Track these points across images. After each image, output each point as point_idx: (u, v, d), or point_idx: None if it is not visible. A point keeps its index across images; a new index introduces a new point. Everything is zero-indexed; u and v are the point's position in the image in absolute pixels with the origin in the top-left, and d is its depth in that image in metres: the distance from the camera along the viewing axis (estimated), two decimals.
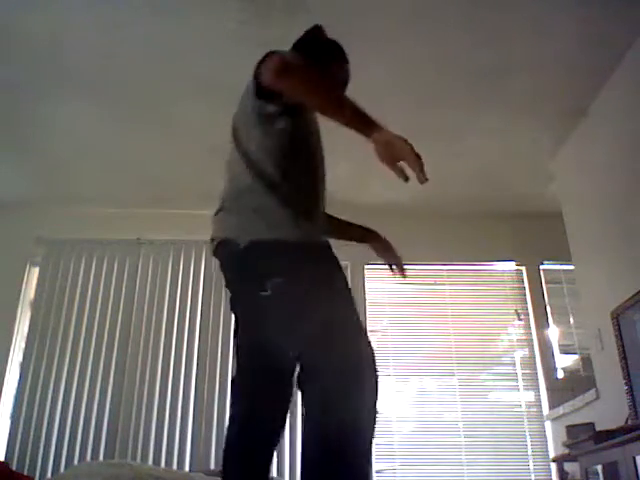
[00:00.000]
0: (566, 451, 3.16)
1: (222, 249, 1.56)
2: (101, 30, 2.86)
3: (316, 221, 1.66)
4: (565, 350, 4.24)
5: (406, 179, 1.35)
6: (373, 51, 2.99)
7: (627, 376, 2.94)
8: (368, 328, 4.18)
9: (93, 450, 3.76)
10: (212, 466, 3.67)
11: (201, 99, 3.28)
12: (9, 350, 4.04)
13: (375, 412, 1.40)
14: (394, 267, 1.97)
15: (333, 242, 1.61)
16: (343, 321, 1.43)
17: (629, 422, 2.82)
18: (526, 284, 4.40)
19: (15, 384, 3.93)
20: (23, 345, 4.06)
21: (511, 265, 4.48)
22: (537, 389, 4.13)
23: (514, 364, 4.24)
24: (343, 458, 1.34)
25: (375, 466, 3.86)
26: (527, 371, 4.19)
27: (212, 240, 1.60)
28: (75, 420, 3.82)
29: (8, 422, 3.85)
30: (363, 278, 4.31)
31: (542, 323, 4.27)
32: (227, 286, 1.63)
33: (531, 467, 3.93)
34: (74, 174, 4.06)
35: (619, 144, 3.11)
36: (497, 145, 3.78)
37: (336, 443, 1.34)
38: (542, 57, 3.05)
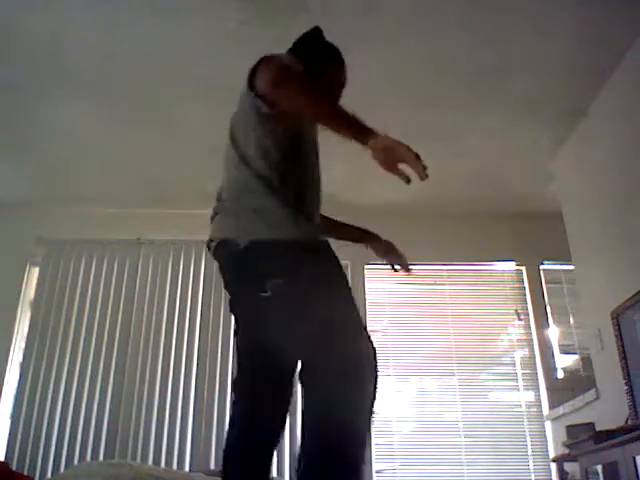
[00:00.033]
0: (566, 451, 3.16)
1: (221, 250, 1.55)
2: (101, 30, 2.86)
3: (315, 221, 1.67)
4: (565, 350, 4.24)
5: (408, 181, 1.35)
6: (373, 51, 2.99)
7: (627, 376, 2.94)
8: (368, 328, 4.19)
9: (93, 450, 3.76)
10: (212, 466, 3.67)
11: (201, 99, 3.28)
12: (9, 350, 4.04)
13: (372, 412, 1.41)
14: (397, 267, 1.98)
15: (333, 242, 1.61)
16: (343, 320, 1.43)
17: (629, 422, 2.82)
18: (526, 284, 4.40)
19: (15, 384, 3.93)
20: (23, 345, 4.06)
21: (511, 265, 4.48)
22: (537, 389, 4.13)
23: (514, 364, 4.24)
24: (341, 456, 1.35)
25: (375, 466, 3.86)
26: (527, 371, 4.19)
27: (211, 241, 1.60)
28: (75, 420, 3.82)
29: (8, 422, 3.86)
30: (363, 278, 4.31)
31: (542, 323, 4.27)
32: (226, 287, 1.63)
33: (531, 467, 3.93)
34: (74, 174, 4.07)
35: (619, 144, 3.11)
36: (497, 145, 3.78)
37: (335, 441, 1.35)
38: (542, 57, 3.05)
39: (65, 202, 4.36)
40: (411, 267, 1.97)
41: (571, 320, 4.28)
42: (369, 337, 1.44)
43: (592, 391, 3.31)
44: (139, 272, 4.26)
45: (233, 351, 3.96)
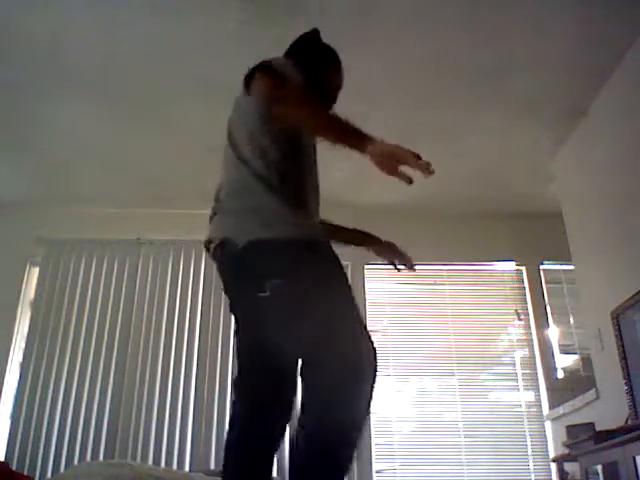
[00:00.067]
0: (566, 451, 3.16)
1: (220, 250, 1.55)
2: (101, 30, 2.86)
3: (315, 220, 1.67)
4: (565, 350, 4.24)
5: (410, 182, 1.36)
6: (373, 51, 2.99)
7: (627, 376, 2.94)
8: (368, 328, 4.19)
9: (93, 450, 3.76)
10: (212, 466, 3.67)
11: (201, 99, 3.28)
12: (9, 350, 4.04)
13: (369, 412, 1.41)
14: (401, 266, 1.98)
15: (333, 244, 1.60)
16: (343, 320, 1.43)
17: (629, 422, 2.82)
18: (526, 284, 4.41)
19: (15, 384, 3.93)
20: (23, 345, 4.06)
21: (511, 265, 4.48)
22: (537, 389, 4.13)
23: (514, 364, 4.24)
24: (336, 455, 1.35)
25: (375, 466, 3.86)
26: (527, 371, 4.19)
27: (209, 241, 1.60)
28: (75, 420, 3.82)
29: (8, 422, 3.86)
30: (363, 278, 4.31)
31: (542, 323, 4.28)
32: (225, 288, 1.62)
33: (531, 467, 3.93)
34: (74, 174, 4.07)
35: (619, 144, 3.11)
36: (497, 145, 3.78)
37: (332, 441, 1.35)
38: (542, 57, 3.05)
39: (65, 202, 4.36)
40: (415, 265, 1.97)
41: (571, 320, 4.28)
42: (369, 336, 1.44)
43: (592, 391, 3.32)
44: (139, 272, 4.26)
45: (233, 351, 3.96)
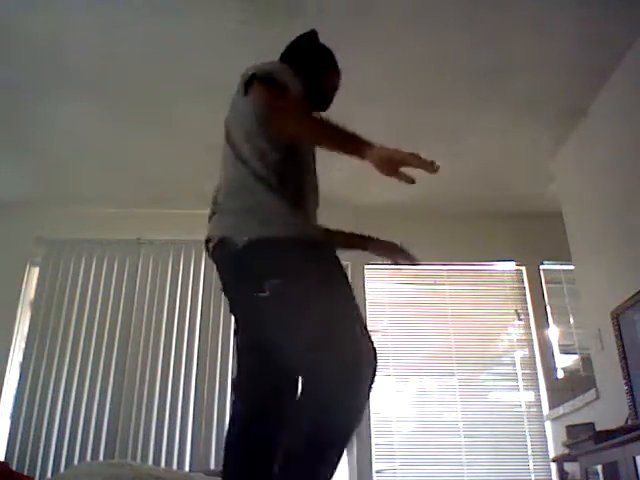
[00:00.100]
0: (566, 451, 3.16)
1: (219, 250, 1.55)
2: (101, 30, 2.86)
3: (314, 220, 1.67)
4: (565, 350, 4.24)
5: (412, 181, 1.36)
6: (373, 51, 2.99)
7: (627, 376, 2.94)
8: (368, 328, 4.19)
9: (93, 450, 3.76)
10: (212, 466, 3.67)
11: (201, 99, 3.28)
12: (9, 350, 4.04)
13: (363, 412, 1.41)
14: (404, 263, 1.97)
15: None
16: (343, 319, 1.42)
17: (629, 422, 2.82)
18: (526, 284, 4.41)
19: (15, 384, 3.93)
20: (23, 345, 4.06)
21: (511, 265, 4.48)
22: (537, 389, 4.13)
23: (514, 364, 4.24)
24: (325, 454, 1.35)
25: (375, 466, 3.86)
26: (527, 371, 4.19)
27: (208, 241, 1.60)
28: (75, 420, 3.82)
29: (8, 422, 3.86)
30: (363, 278, 4.31)
31: (542, 323, 4.28)
32: (224, 288, 1.62)
33: (531, 467, 3.93)
34: (74, 174, 4.07)
35: (619, 144, 3.11)
36: (497, 145, 3.78)
37: (324, 440, 1.35)
38: (542, 57, 3.05)
39: (65, 202, 4.36)
40: (416, 259, 1.96)
41: (571, 320, 4.28)
42: (370, 336, 1.44)
43: (592, 391, 3.31)
44: (139, 272, 4.26)
45: (233, 351, 3.96)
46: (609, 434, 2.49)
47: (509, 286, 4.45)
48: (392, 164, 1.36)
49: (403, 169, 1.37)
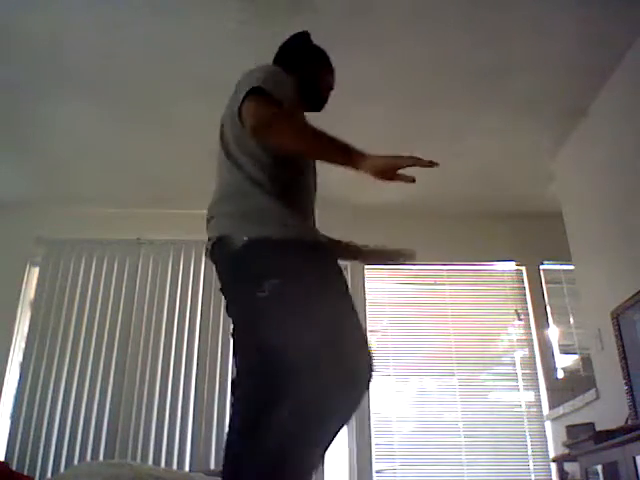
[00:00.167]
0: (566, 451, 3.16)
1: (218, 250, 1.55)
2: (101, 30, 2.86)
3: (313, 221, 1.67)
4: (565, 350, 4.24)
5: (412, 181, 1.36)
6: (373, 51, 2.99)
7: (627, 376, 2.94)
8: (368, 328, 4.20)
9: (93, 450, 3.76)
10: (212, 466, 3.67)
11: (201, 99, 3.28)
12: (9, 350, 4.04)
13: (351, 416, 1.40)
14: (401, 262, 1.96)
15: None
16: (343, 323, 1.42)
17: (629, 422, 2.82)
18: (526, 284, 4.41)
19: (15, 384, 3.93)
20: (23, 345, 4.06)
21: (511, 265, 4.48)
22: (537, 389, 4.13)
23: (514, 364, 4.24)
24: (301, 457, 1.35)
25: (375, 466, 3.86)
26: (527, 371, 4.19)
27: (208, 241, 1.60)
28: (75, 420, 3.82)
29: (8, 422, 3.86)
30: (363, 278, 4.31)
31: (542, 323, 4.28)
32: (222, 288, 1.62)
33: (531, 467, 3.93)
34: (74, 174, 4.07)
35: (619, 144, 3.11)
36: (497, 145, 3.78)
37: (309, 441, 1.35)
38: (542, 57, 3.05)
39: (65, 202, 4.36)
40: (411, 254, 1.94)
41: (571, 320, 4.28)
42: (368, 346, 1.43)
43: (592, 391, 3.32)
44: (139, 272, 4.26)
45: (233, 350, 3.95)
46: (609, 434, 2.49)
47: (509, 286, 4.45)
48: (389, 171, 1.36)
49: (401, 170, 1.37)
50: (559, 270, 4.35)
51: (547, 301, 4.35)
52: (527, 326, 4.31)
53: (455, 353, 4.20)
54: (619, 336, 3.03)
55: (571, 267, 3.76)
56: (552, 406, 3.96)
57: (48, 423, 3.80)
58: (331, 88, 1.94)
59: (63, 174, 4.06)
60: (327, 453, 1.39)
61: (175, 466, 3.73)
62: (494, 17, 2.80)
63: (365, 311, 4.23)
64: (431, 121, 3.53)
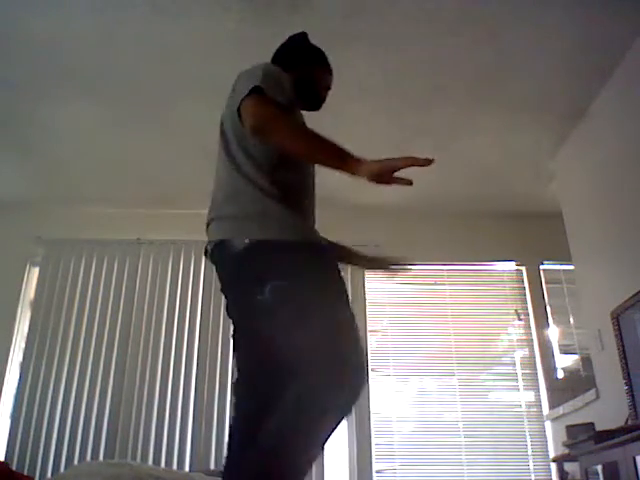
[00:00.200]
0: (566, 451, 3.16)
1: (219, 251, 1.55)
2: (101, 30, 2.86)
3: (313, 221, 1.67)
4: (565, 350, 4.24)
5: (410, 183, 1.37)
6: (372, 50, 2.99)
7: (627, 376, 2.94)
8: (368, 328, 4.20)
9: (93, 450, 3.76)
10: (212, 466, 3.67)
11: (201, 99, 3.28)
12: (9, 350, 4.04)
13: (341, 422, 1.40)
14: (393, 270, 1.98)
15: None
16: (342, 326, 1.42)
17: (629, 422, 2.82)
18: (526, 284, 4.40)
19: (15, 384, 3.93)
20: (23, 345, 4.06)
21: (511, 265, 4.48)
22: (537, 389, 4.13)
23: (514, 364, 4.24)
24: (292, 458, 1.35)
25: (375, 466, 3.86)
26: (527, 371, 4.19)
27: (208, 243, 1.60)
28: (75, 420, 3.82)
29: (8, 422, 3.86)
30: (363, 278, 4.31)
31: (542, 323, 4.28)
32: (223, 290, 1.62)
33: (531, 467, 3.93)
34: (74, 174, 4.07)
35: (619, 144, 3.11)
36: (497, 145, 3.78)
37: (295, 444, 1.34)
38: (542, 57, 3.05)
39: (65, 202, 4.36)
40: (404, 265, 1.96)
41: (571, 320, 4.27)
42: (361, 342, 1.44)
43: (592, 391, 3.32)
44: (139, 272, 4.26)
45: (233, 351, 3.95)
46: (609, 434, 2.49)
47: (509, 286, 4.45)
48: (385, 175, 1.37)
49: (398, 172, 1.37)
50: (559, 270, 4.34)
51: (547, 301, 4.35)
52: (527, 326, 4.31)
53: (455, 353, 4.20)
54: (619, 336, 3.03)
55: (571, 267, 3.76)
56: (552, 406, 3.96)
57: (48, 423, 3.80)
58: (329, 87, 1.94)
59: (63, 174, 4.06)
60: (324, 450, 1.39)
61: (175, 466, 3.73)
62: (494, 17, 2.80)
63: (365, 311, 4.23)
64: (430, 121, 3.53)
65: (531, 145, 3.78)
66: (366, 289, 4.31)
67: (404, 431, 4.07)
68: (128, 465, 2.59)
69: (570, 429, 3.14)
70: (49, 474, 3.67)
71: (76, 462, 3.70)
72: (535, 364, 4.19)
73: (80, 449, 3.76)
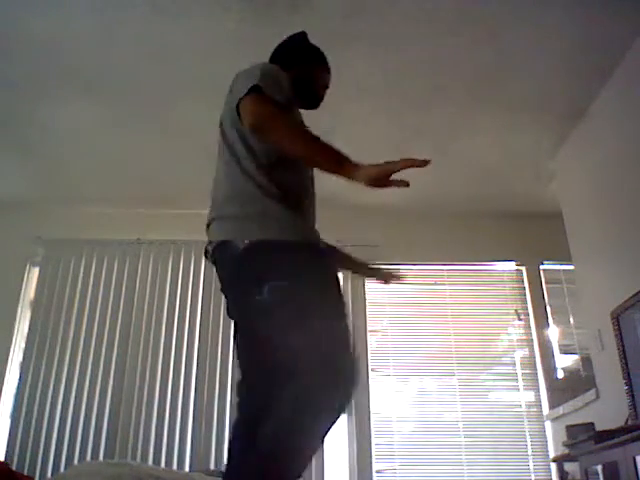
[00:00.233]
0: (566, 451, 3.16)
1: (219, 252, 1.55)
2: (101, 30, 2.86)
3: (313, 222, 1.67)
4: (565, 350, 4.24)
5: (407, 185, 1.37)
6: (372, 50, 2.99)
7: (627, 376, 2.94)
8: (368, 328, 4.20)
9: (93, 450, 3.76)
10: (212, 466, 3.67)
11: (201, 99, 3.28)
12: (9, 350, 4.04)
13: (332, 426, 1.41)
14: (387, 279, 2.03)
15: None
16: (332, 328, 1.43)
17: (629, 422, 2.82)
18: (526, 284, 4.40)
19: (15, 384, 3.93)
20: (23, 345, 4.06)
21: (511, 265, 4.48)
22: (537, 389, 4.13)
23: (514, 364, 4.24)
24: (290, 459, 1.35)
25: (375, 466, 3.86)
26: (527, 371, 4.19)
27: (209, 244, 1.60)
28: (75, 420, 3.82)
29: (8, 422, 3.86)
30: (363, 278, 4.31)
31: (542, 323, 4.27)
32: (224, 290, 1.62)
33: (531, 467, 3.93)
34: (74, 174, 4.07)
35: (619, 144, 3.11)
36: (497, 145, 3.78)
37: (292, 444, 1.35)
38: (542, 57, 3.05)
39: (65, 202, 4.36)
40: (397, 274, 2.02)
41: (571, 320, 4.27)
42: (352, 344, 1.44)
43: (592, 391, 3.32)
44: (139, 272, 4.26)
45: (233, 351, 3.96)
46: (609, 434, 2.49)
47: (509, 286, 4.45)
48: (382, 178, 1.37)
49: (395, 174, 1.38)
50: (559, 270, 4.34)
51: (547, 301, 4.35)
52: (527, 326, 4.31)
53: (455, 353, 4.20)
54: (619, 336, 3.03)
55: (571, 267, 3.76)
56: (552, 406, 3.96)
57: (48, 423, 3.80)
58: (327, 86, 1.95)
59: (63, 174, 4.06)
60: (323, 446, 1.41)
61: (175, 466, 3.73)
62: (494, 17, 2.80)
63: (365, 311, 4.23)
64: (430, 121, 3.53)
65: (531, 145, 3.78)
66: (366, 289, 4.31)
67: (404, 431, 4.07)
68: (128, 465, 2.59)
69: (570, 429, 3.14)
70: (49, 474, 3.67)
71: (76, 462, 3.70)
72: (535, 364, 4.19)
73: (80, 449, 3.76)
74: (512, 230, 4.43)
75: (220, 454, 3.74)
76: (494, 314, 4.36)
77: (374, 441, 3.92)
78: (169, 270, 4.27)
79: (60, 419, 3.82)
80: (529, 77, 3.18)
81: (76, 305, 4.13)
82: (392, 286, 4.35)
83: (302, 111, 1.81)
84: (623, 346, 3.00)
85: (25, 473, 3.57)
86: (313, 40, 1.98)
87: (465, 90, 3.29)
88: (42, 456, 3.72)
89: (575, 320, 4.20)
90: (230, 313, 1.67)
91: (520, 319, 4.32)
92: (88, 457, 3.73)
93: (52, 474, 3.66)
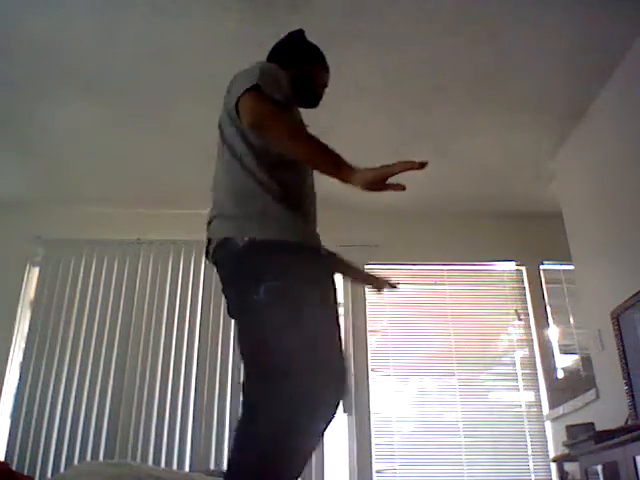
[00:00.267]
0: (566, 451, 3.16)
1: (220, 251, 1.55)
2: (101, 30, 2.86)
3: (314, 223, 1.67)
4: (565, 350, 4.24)
5: (403, 188, 1.37)
6: (372, 50, 2.99)
7: (627, 376, 2.94)
8: (368, 328, 4.20)
9: (93, 450, 3.76)
10: (212, 466, 3.67)
11: (201, 99, 3.28)
12: (9, 350, 4.04)
13: (325, 431, 1.41)
14: (382, 287, 2.05)
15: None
16: (324, 330, 1.43)
17: (629, 422, 2.82)
18: (526, 284, 4.40)
19: (15, 384, 3.94)
20: (23, 345, 4.06)
21: (511, 265, 4.48)
22: (537, 389, 4.13)
23: (514, 364, 4.24)
24: (287, 458, 1.35)
25: (375, 466, 3.86)
26: (527, 371, 4.19)
27: (209, 244, 1.60)
28: (75, 420, 3.82)
29: (8, 422, 3.86)
30: (360, 285, 4.30)
31: (542, 323, 4.28)
32: (224, 289, 1.62)
33: (531, 467, 3.93)
34: (74, 174, 4.07)
35: (619, 144, 3.11)
36: (497, 145, 3.78)
37: (289, 444, 1.35)
38: (542, 57, 3.05)
39: (65, 202, 4.36)
40: (391, 283, 2.05)
41: (571, 320, 4.27)
42: (342, 347, 1.45)
43: (592, 391, 3.32)
44: (139, 272, 4.26)
45: (233, 351, 3.97)
46: (609, 434, 2.49)
47: (509, 286, 4.45)
48: (378, 182, 1.37)
49: (392, 178, 1.38)
50: (559, 270, 4.34)
51: (547, 301, 4.35)
52: (527, 326, 4.31)
53: (455, 353, 4.20)
54: (619, 336, 3.03)
55: (571, 267, 3.76)
56: (552, 406, 3.96)
57: (48, 423, 3.80)
58: (325, 85, 1.94)
59: (63, 174, 4.06)
60: (318, 449, 1.41)
61: (175, 466, 3.73)
62: (494, 17, 2.80)
63: (365, 311, 4.23)
64: (430, 121, 3.53)
65: (531, 145, 3.78)
66: (366, 289, 4.31)
67: (404, 431, 4.07)
68: (128, 465, 2.59)
69: (570, 429, 3.14)
70: (49, 474, 3.67)
71: (76, 462, 3.70)
72: (535, 364, 4.19)
73: (80, 449, 3.76)
74: (512, 230, 4.43)
75: (220, 454, 3.75)
76: (494, 314, 4.37)
77: (374, 441, 3.92)
78: (169, 270, 4.27)
79: (60, 419, 3.82)
80: (529, 77, 3.18)
81: (76, 305, 4.13)
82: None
83: (301, 110, 1.81)
84: (623, 346, 3.00)
85: (25, 473, 3.57)
86: (313, 39, 1.98)
87: (465, 90, 3.29)
88: (42, 456, 3.72)
89: (575, 320, 4.20)
90: (230, 312, 1.67)
91: (520, 319, 4.32)
92: (88, 457, 3.73)
93: (52, 474, 3.66)
